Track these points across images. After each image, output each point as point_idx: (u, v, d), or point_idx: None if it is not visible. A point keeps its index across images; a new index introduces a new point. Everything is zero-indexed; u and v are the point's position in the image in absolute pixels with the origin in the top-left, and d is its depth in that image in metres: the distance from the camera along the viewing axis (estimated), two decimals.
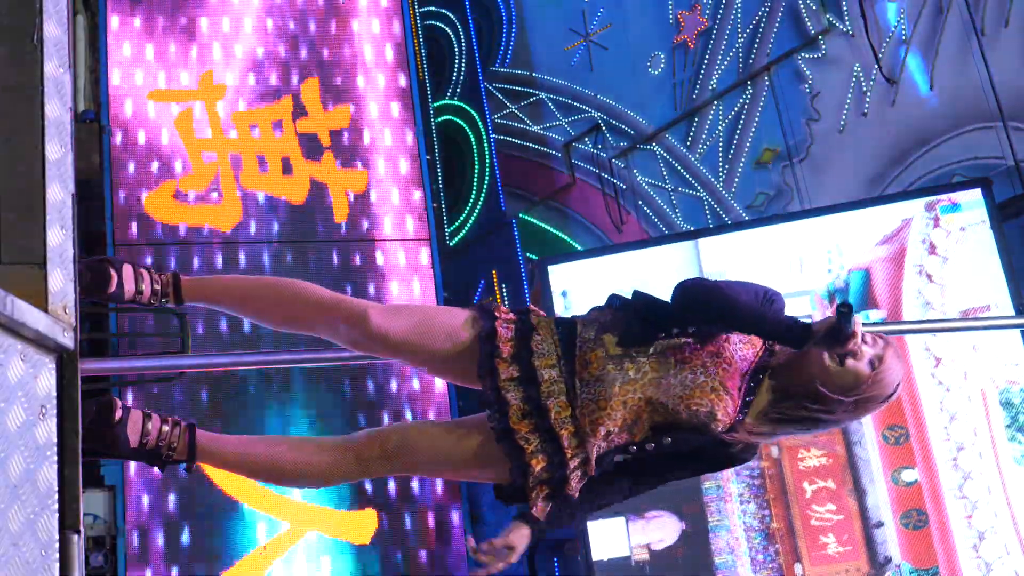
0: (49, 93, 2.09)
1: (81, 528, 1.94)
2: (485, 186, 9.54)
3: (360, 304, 2.49)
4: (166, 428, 2.45)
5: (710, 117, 8.15)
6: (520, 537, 2.37)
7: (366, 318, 2.43)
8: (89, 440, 2.26)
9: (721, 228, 7.00)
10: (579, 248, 8.58)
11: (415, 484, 7.28)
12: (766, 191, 7.74)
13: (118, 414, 2.41)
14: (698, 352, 2.30)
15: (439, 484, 7.29)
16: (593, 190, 8.93)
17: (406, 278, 7.77)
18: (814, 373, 2.25)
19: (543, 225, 9.24)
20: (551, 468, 2.31)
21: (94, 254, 2.53)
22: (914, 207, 6.15)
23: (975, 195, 5.99)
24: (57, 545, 1.88)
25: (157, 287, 2.54)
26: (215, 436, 2.53)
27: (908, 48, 6.93)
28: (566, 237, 9.04)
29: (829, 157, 7.37)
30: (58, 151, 2.09)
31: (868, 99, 7.13)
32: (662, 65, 8.51)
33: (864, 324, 2.35)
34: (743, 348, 2.33)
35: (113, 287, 2.48)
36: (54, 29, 2.14)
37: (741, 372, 2.31)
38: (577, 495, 2.34)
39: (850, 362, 2.22)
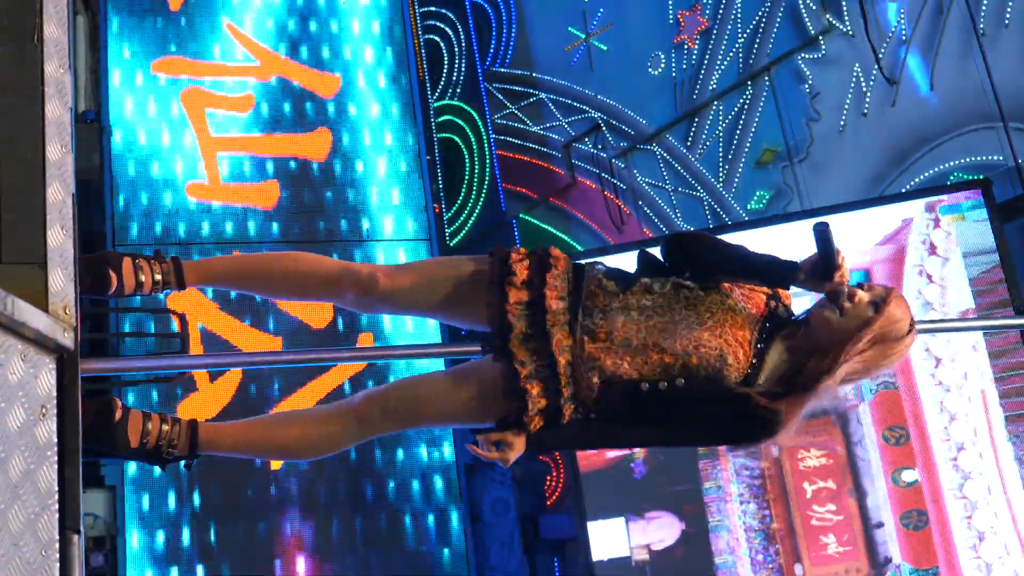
0: (49, 93, 2.09)
1: (81, 528, 1.94)
2: (485, 186, 9.55)
3: (367, 271, 2.54)
4: (166, 427, 2.46)
5: (710, 117, 8.15)
6: (517, 439, 2.36)
7: (376, 285, 2.49)
8: (89, 440, 2.27)
9: (721, 228, 7.00)
10: (579, 248, 8.58)
11: (415, 484, 7.27)
12: (767, 191, 7.74)
13: (118, 415, 2.41)
14: (703, 299, 2.31)
15: (439, 484, 7.29)
16: (593, 190, 8.93)
17: None
18: (820, 328, 2.27)
19: (543, 225, 9.24)
20: (546, 394, 2.32)
21: (94, 254, 2.51)
22: (914, 207, 6.15)
23: (975, 195, 5.98)
24: (57, 545, 1.88)
25: (158, 277, 2.53)
26: (215, 426, 2.54)
27: (908, 48, 6.93)
28: (566, 237, 9.04)
29: (829, 157, 7.37)
30: (58, 151, 2.09)
31: (868, 99, 7.13)
32: (662, 65, 8.51)
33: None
34: (746, 301, 2.34)
35: (113, 288, 2.48)
36: (54, 29, 2.14)
37: (749, 324, 2.31)
38: (570, 423, 2.35)
39: (849, 307, 2.24)
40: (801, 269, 2.26)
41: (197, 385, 7.03)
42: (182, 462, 2.49)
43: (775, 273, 2.29)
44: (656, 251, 2.46)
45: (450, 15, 10.10)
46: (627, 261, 2.55)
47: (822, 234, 2.16)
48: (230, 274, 2.63)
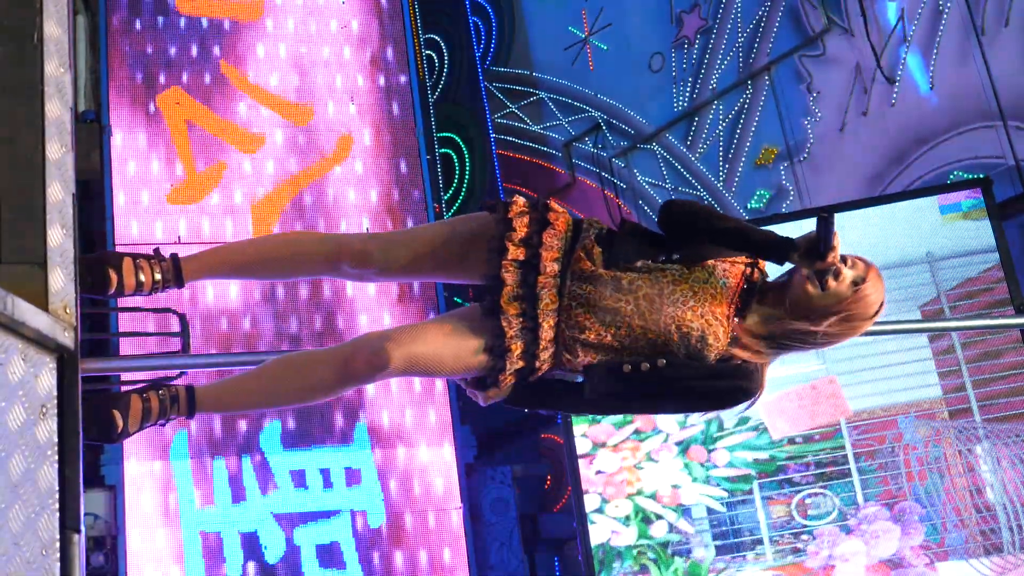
0: (49, 93, 2.09)
1: (81, 528, 1.94)
2: (485, 186, 9.54)
3: (360, 242, 2.56)
4: (165, 403, 2.48)
5: (710, 117, 8.15)
6: (498, 391, 2.44)
7: (371, 255, 2.52)
8: (90, 438, 2.30)
9: None
10: None
11: (416, 484, 7.27)
12: (767, 190, 7.74)
13: (118, 419, 2.41)
14: (686, 276, 2.36)
15: (439, 484, 7.29)
16: (593, 189, 8.94)
17: None
18: (798, 296, 2.32)
19: None
20: (524, 356, 2.37)
21: (94, 254, 2.51)
22: (913, 206, 6.15)
23: (975, 195, 5.99)
24: (58, 544, 1.88)
25: (158, 276, 2.55)
26: (212, 389, 2.55)
27: (908, 48, 6.93)
28: None
29: (829, 157, 7.37)
30: (58, 151, 2.09)
31: (868, 98, 7.13)
32: (662, 65, 8.51)
33: None
34: (727, 275, 2.38)
35: (113, 288, 2.49)
36: (54, 29, 2.14)
37: (728, 299, 2.36)
38: (544, 389, 2.42)
39: (832, 285, 2.29)
40: (798, 247, 2.29)
41: None
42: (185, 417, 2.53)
43: (773, 249, 2.31)
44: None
45: (450, 14, 10.10)
46: (669, 199, 2.54)
47: (825, 221, 2.22)
48: (227, 263, 2.65)
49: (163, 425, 2.53)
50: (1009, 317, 5.65)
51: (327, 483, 7.11)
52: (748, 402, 2.42)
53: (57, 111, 2.10)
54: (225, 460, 6.90)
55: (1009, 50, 6.39)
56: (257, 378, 2.57)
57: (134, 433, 2.46)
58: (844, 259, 2.31)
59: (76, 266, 2.09)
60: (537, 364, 2.38)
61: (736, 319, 2.36)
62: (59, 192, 2.07)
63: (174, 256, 2.58)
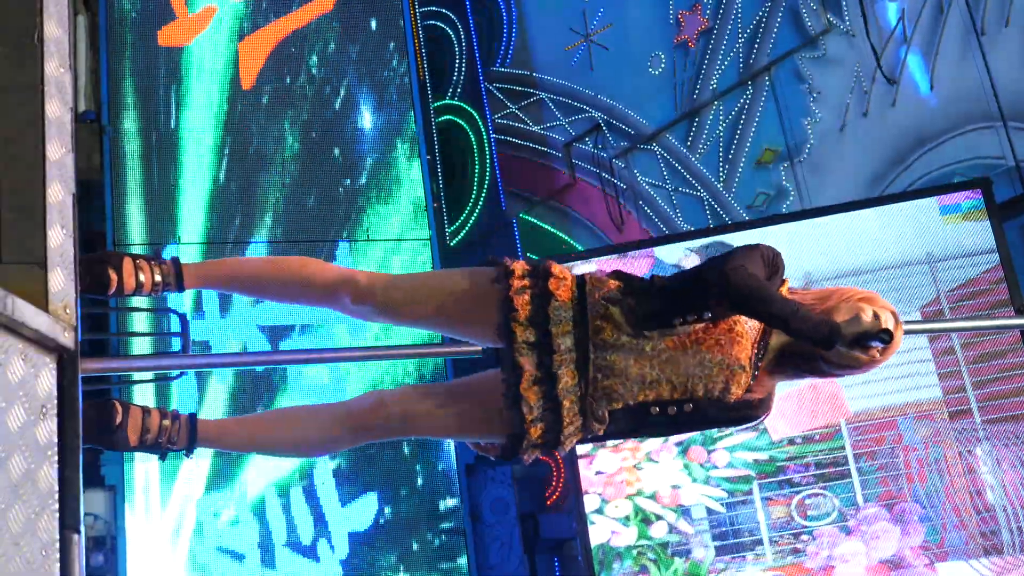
0: (49, 93, 2.09)
1: (82, 528, 1.94)
2: (485, 186, 9.54)
3: (366, 279, 2.53)
4: (166, 422, 2.49)
5: (710, 117, 8.15)
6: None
7: (372, 294, 2.49)
8: (90, 443, 2.32)
9: (721, 228, 7.00)
10: (579, 248, 8.58)
11: (415, 483, 7.27)
12: (767, 191, 7.74)
13: (118, 418, 2.42)
14: (711, 330, 2.36)
15: (439, 484, 7.29)
16: (593, 190, 8.93)
17: None
18: (829, 352, 2.33)
19: (543, 225, 9.24)
20: (545, 435, 2.36)
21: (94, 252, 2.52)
22: (914, 207, 6.15)
23: (975, 196, 5.98)
24: (58, 545, 1.88)
25: (158, 278, 2.54)
26: (215, 423, 2.57)
27: (908, 48, 6.93)
28: (566, 237, 9.04)
29: (829, 157, 7.37)
30: (58, 151, 2.09)
31: (868, 99, 7.13)
32: (662, 65, 8.51)
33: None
34: (752, 323, 2.39)
35: (113, 288, 2.48)
36: (54, 29, 2.14)
37: (753, 341, 2.38)
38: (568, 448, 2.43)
39: (873, 351, 2.33)
40: (844, 339, 2.29)
41: None
42: (182, 452, 2.53)
43: (820, 343, 2.27)
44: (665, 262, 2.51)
45: (450, 15, 10.09)
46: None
47: (883, 339, 2.30)
48: (230, 277, 2.63)
49: (162, 457, 2.52)
50: (1009, 318, 5.64)
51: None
52: (757, 422, 2.49)
53: (57, 111, 2.10)
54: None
55: (1009, 50, 6.39)
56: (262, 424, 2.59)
57: (134, 444, 2.45)
58: (876, 315, 2.33)
59: (76, 266, 2.09)
60: (562, 439, 2.38)
61: (756, 360, 2.38)
62: (59, 192, 2.06)
63: (175, 259, 2.58)
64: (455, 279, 2.50)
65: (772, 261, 2.39)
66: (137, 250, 7.21)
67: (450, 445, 7.34)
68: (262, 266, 2.72)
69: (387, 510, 7.18)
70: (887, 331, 2.27)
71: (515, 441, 2.38)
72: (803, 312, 2.28)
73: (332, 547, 7.05)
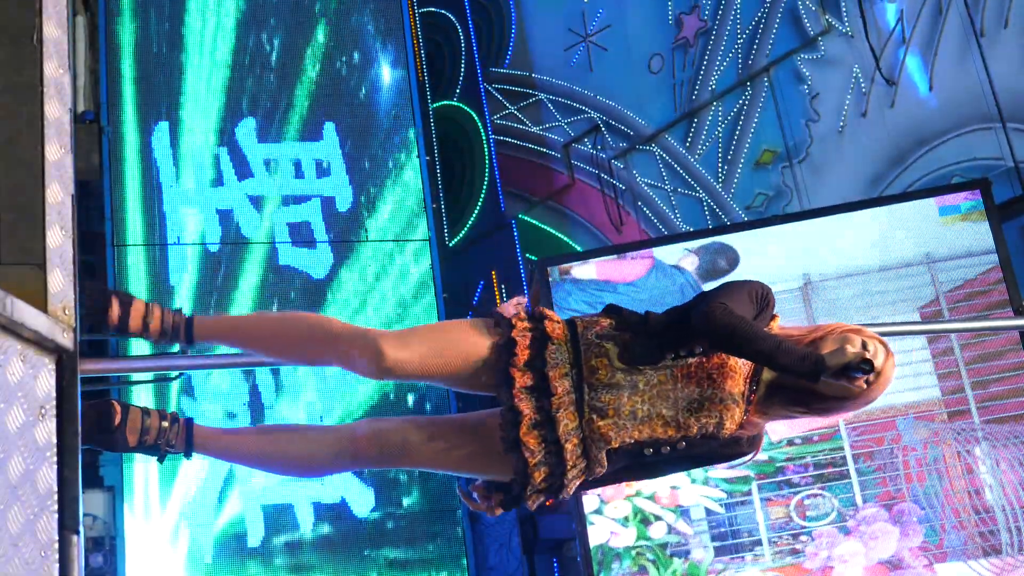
0: (49, 93, 2.09)
1: (81, 528, 1.94)
2: (485, 186, 9.54)
3: (372, 338, 2.48)
4: (164, 424, 2.49)
5: (710, 117, 8.15)
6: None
7: (380, 353, 2.43)
8: (89, 443, 2.32)
9: (720, 229, 7.00)
10: (579, 249, 8.58)
11: (415, 484, 7.27)
12: (766, 191, 7.74)
13: (117, 419, 2.43)
14: (703, 365, 2.37)
15: (438, 484, 7.29)
16: (593, 191, 8.93)
17: (406, 279, 7.77)
18: (819, 384, 2.35)
19: (543, 226, 9.24)
20: (549, 479, 2.37)
21: (94, 254, 2.53)
22: (913, 207, 6.15)
23: (974, 197, 5.98)
24: (57, 546, 1.88)
25: (168, 326, 2.54)
26: (211, 431, 2.57)
27: (907, 49, 6.94)
28: (566, 238, 9.04)
29: (829, 158, 7.37)
30: (58, 151, 2.09)
31: (868, 100, 7.13)
32: (662, 65, 8.51)
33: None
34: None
35: (115, 316, 2.47)
36: (54, 29, 2.14)
37: (745, 376, 2.39)
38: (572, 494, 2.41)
39: (860, 383, 2.33)
40: (828, 371, 2.30)
41: None
42: (180, 455, 2.53)
43: (804, 375, 2.30)
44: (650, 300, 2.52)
45: (450, 15, 10.10)
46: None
47: (865, 370, 2.30)
48: (236, 337, 2.63)
49: (160, 459, 2.52)
50: (1008, 319, 5.65)
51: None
52: (747, 459, 2.50)
53: (57, 112, 2.10)
54: None
55: (1009, 52, 6.39)
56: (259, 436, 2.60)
57: (133, 444, 2.45)
58: (864, 344, 2.34)
59: (76, 267, 2.09)
60: (565, 482, 2.38)
61: (748, 396, 2.40)
62: (58, 193, 2.07)
63: (190, 317, 2.56)
64: (463, 335, 2.48)
65: (762, 297, 2.42)
66: (137, 250, 7.21)
67: None
68: (269, 327, 2.65)
69: (387, 511, 7.18)
70: (868, 361, 2.26)
71: (520, 487, 2.38)
72: (786, 346, 2.30)
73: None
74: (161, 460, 2.54)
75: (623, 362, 2.37)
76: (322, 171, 7.88)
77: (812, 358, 2.28)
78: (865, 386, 2.32)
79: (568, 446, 2.34)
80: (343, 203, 7.86)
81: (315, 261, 7.65)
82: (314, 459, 2.52)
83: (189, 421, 2.53)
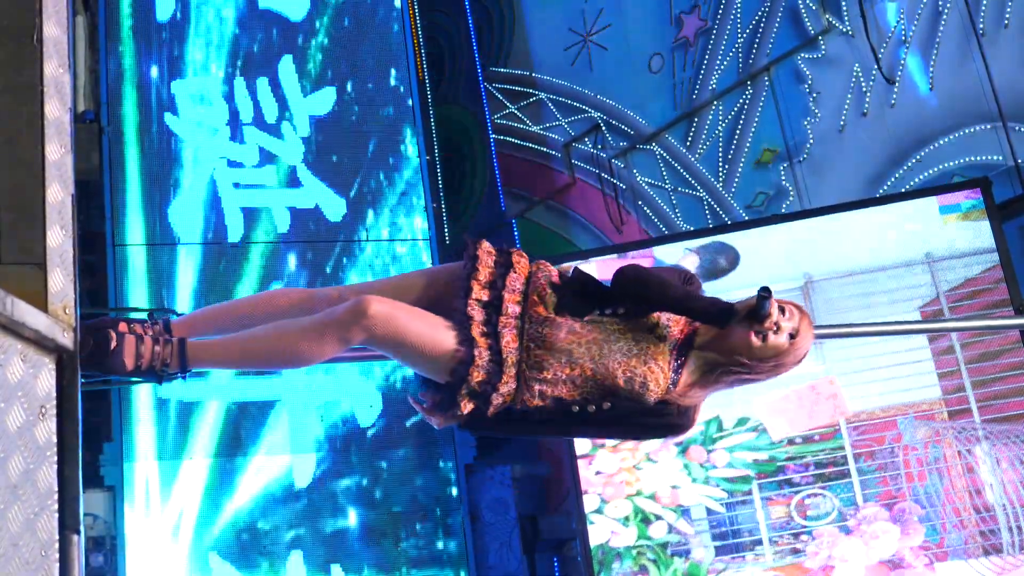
0: (49, 93, 2.09)
1: (81, 528, 1.94)
2: (485, 186, 9.54)
3: (337, 292, 2.72)
4: (158, 348, 2.56)
5: (710, 117, 8.15)
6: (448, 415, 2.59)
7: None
8: (89, 368, 2.40)
9: (721, 228, 7.00)
10: (579, 248, 8.58)
11: (414, 482, 7.28)
12: (766, 191, 7.74)
13: (114, 344, 2.49)
14: (631, 327, 2.57)
15: (438, 483, 7.29)
16: (593, 190, 8.93)
17: None
18: (739, 348, 2.54)
19: (543, 225, 9.24)
20: (484, 385, 2.52)
21: (94, 254, 2.55)
22: (913, 207, 6.15)
23: (975, 196, 5.99)
24: (57, 545, 1.88)
25: (159, 350, 2.57)
26: (202, 343, 2.63)
27: (908, 48, 6.94)
28: (566, 237, 9.04)
29: (829, 157, 7.37)
30: (58, 151, 2.09)
31: (868, 99, 7.13)
32: (661, 66, 8.51)
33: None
34: (671, 327, 2.59)
35: (112, 348, 2.50)
36: (54, 29, 2.14)
37: (670, 348, 2.57)
38: (495, 416, 2.56)
39: (771, 338, 2.52)
40: (737, 314, 2.51)
41: None
42: (178, 376, 2.60)
43: (715, 318, 2.53)
44: (593, 270, 2.63)
45: (450, 15, 10.09)
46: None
47: (763, 300, 2.48)
48: (228, 358, 2.67)
49: (159, 381, 2.59)
50: (1009, 318, 5.65)
51: None
52: (678, 437, 2.67)
53: (57, 111, 2.10)
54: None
55: (1009, 51, 6.39)
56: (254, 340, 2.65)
57: (130, 368, 2.50)
58: (782, 309, 2.53)
59: (76, 267, 2.09)
60: (494, 396, 2.52)
61: (677, 366, 2.56)
62: (58, 193, 2.07)
63: (181, 340, 2.60)
64: (431, 270, 2.77)
65: (687, 278, 2.67)
66: (137, 250, 7.22)
67: (450, 446, 7.34)
68: (258, 345, 2.67)
69: (386, 509, 7.18)
70: (766, 288, 2.45)
71: (459, 380, 2.50)
72: (697, 294, 2.59)
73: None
74: (159, 383, 2.61)
75: (555, 312, 2.58)
76: (322, 172, 7.88)
77: (722, 303, 2.52)
78: (775, 328, 2.49)
79: (509, 359, 2.52)
80: (344, 203, 7.86)
81: (315, 261, 7.66)
82: (310, 351, 2.59)
83: (182, 341, 2.59)
